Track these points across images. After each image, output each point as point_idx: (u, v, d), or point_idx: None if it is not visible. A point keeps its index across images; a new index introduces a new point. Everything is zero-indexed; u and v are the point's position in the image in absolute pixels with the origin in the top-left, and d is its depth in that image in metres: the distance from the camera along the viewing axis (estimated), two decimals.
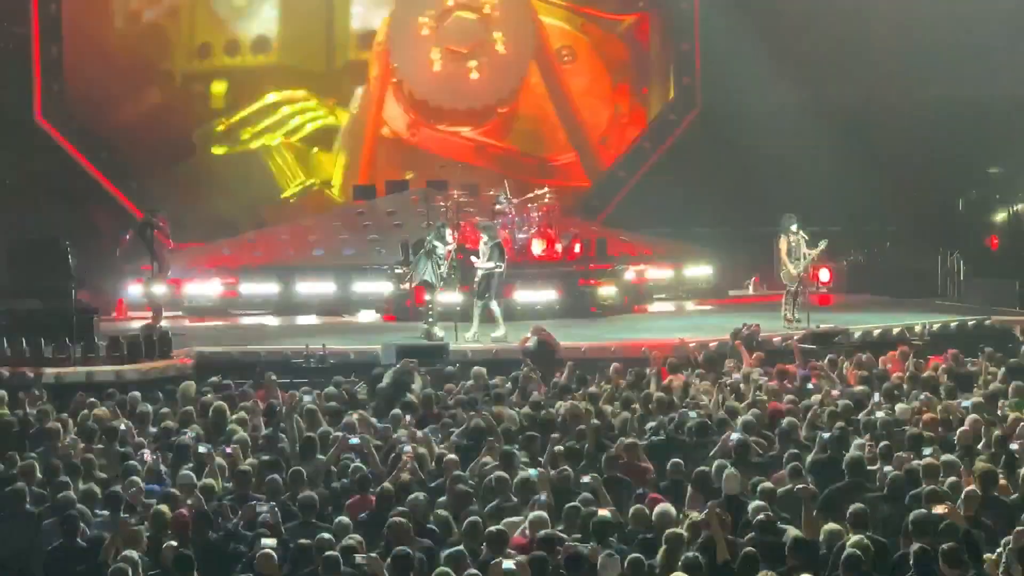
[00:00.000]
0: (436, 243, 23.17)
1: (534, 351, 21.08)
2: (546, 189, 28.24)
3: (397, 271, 26.79)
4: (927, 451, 13.53)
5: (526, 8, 33.85)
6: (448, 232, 23.71)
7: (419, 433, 14.98)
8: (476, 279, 23.17)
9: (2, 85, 30.58)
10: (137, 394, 17.41)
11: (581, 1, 34.26)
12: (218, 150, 33.35)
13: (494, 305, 23.24)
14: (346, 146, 33.84)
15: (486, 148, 33.94)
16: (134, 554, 10.97)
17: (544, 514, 11.58)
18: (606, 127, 34.56)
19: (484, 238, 23.27)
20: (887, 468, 13.06)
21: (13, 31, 30.93)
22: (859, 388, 17.20)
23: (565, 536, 11.32)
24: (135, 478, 13.12)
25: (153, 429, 15.64)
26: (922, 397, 16.38)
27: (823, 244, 23.96)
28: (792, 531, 11.33)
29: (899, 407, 15.87)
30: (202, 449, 14.19)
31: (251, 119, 33.38)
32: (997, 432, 14.16)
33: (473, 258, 23.44)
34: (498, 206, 26.76)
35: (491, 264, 23.06)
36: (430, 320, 23.11)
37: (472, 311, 23.34)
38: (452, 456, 13.99)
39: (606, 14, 34.36)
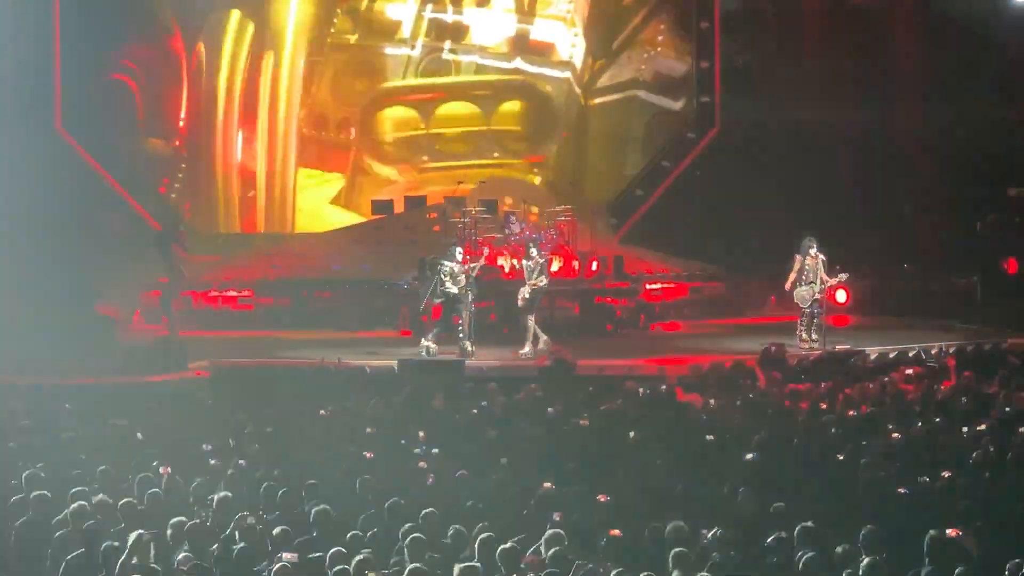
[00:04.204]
0: (443, 262, 23.30)
1: (552, 370, 21.12)
2: (564, 207, 28.25)
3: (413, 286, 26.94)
4: (944, 473, 13.52)
5: None
6: (459, 250, 23.76)
7: (435, 449, 15.01)
8: (525, 295, 23.26)
9: (23, 94, 30.64)
10: (154, 405, 17.46)
11: None
12: None
13: (531, 321, 23.41)
14: None
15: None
16: (156, 566, 11.00)
17: (560, 532, 11.58)
18: None
19: (533, 253, 23.43)
20: (902, 490, 13.04)
21: (35, 41, 31.01)
22: (873, 409, 17.20)
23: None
24: (154, 490, 13.15)
25: (169, 440, 15.67)
26: (937, 420, 16.36)
27: (843, 276, 23.92)
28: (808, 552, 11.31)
29: (914, 429, 15.86)
30: (213, 461, 14.24)
31: None
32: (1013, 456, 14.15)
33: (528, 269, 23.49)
34: (511, 225, 26.81)
35: (544, 281, 23.33)
36: (460, 335, 23.20)
37: (527, 329, 23.50)
38: (463, 472, 14.00)
39: None
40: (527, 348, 23.28)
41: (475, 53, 33.83)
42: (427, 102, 33.74)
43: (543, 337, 23.42)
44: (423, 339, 23.21)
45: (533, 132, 33.96)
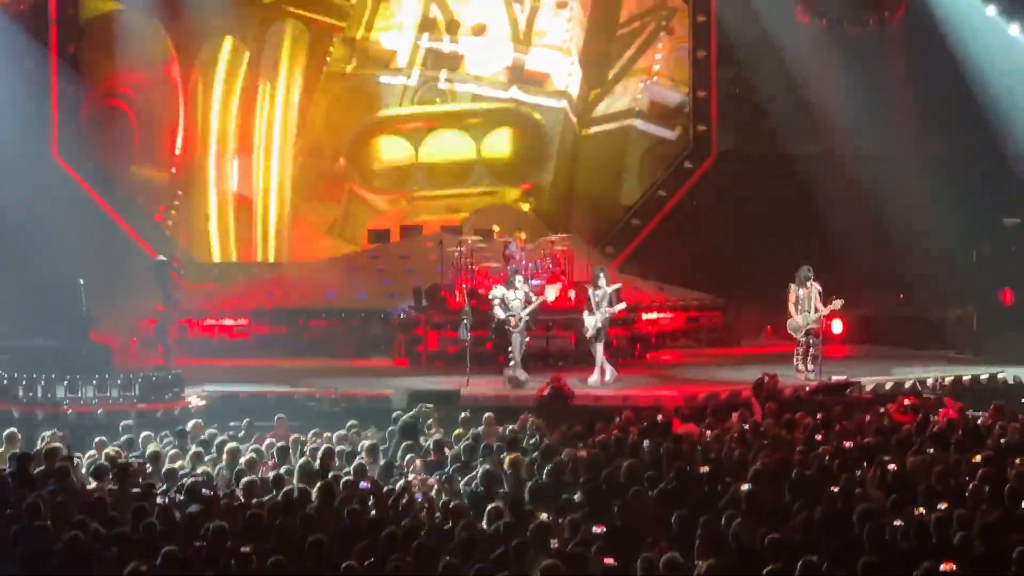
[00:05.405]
0: (497, 285, 23.69)
1: (548, 399, 21.14)
2: (560, 235, 28.25)
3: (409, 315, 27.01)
4: (940, 505, 13.49)
5: None
6: (519, 279, 23.84)
7: (430, 479, 14.98)
8: (598, 325, 23.34)
9: (20, 122, 30.64)
10: (149, 434, 17.44)
11: None
12: None
13: (600, 351, 23.54)
14: None
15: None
16: None
17: (556, 562, 11.55)
18: None
19: (602, 283, 23.56)
20: (898, 522, 13.01)
21: (31, 68, 31.03)
22: (869, 440, 17.17)
23: None
24: (148, 519, 13.12)
25: (164, 469, 15.66)
26: (931, 451, 16.33)
27: (838, 304, 23.92)
28: None
29: (910, 460, 15.83)
30: (206, 491, 14.22)
31: None
32: (1009, 487, 14.11)
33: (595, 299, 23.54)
34: (509, 250, 26.83)
35: (615, 309, 23.51)
36: (511, 363, 23.26)
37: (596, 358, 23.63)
38: (458, 502, 13.98)
39: None
40: (598, 376, 23.32)
41: (471, 82, 33.86)
42: (418, 131, 33.75)
43: (610, 368, 23.45)
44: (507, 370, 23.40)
45: (526, 160, 33.96)
